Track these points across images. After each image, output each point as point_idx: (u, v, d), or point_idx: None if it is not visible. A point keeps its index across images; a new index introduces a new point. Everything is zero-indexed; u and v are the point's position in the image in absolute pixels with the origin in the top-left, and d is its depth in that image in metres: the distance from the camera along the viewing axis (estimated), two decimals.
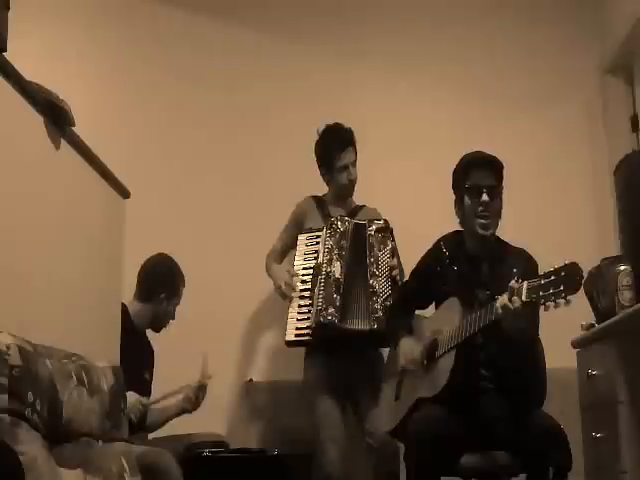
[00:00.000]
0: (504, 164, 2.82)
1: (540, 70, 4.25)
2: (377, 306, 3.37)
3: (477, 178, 2.75)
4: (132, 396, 2.96)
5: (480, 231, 2.75)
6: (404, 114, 4.28)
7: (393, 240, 3.51)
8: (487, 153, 2.81)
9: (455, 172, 2.84)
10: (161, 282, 3.41)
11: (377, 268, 3.43)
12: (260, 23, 4.40)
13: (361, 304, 3.40)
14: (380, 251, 3.45)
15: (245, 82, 4.35)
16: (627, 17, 3.75)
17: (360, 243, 3.48)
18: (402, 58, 4.34)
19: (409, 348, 2.87)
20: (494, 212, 2.76)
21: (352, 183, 3.64)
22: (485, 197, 2.72)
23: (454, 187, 2.85)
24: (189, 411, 3.33)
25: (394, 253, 3.49)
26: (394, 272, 3.43)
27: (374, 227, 3.48)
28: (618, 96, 4.14)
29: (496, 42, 4.31)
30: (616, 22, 3.94)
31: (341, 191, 3.68)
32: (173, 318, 3.46)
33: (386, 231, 3.49)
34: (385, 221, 3.52)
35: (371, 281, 3.41)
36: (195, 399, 3.31)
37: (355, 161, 3.62)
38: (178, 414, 3.34)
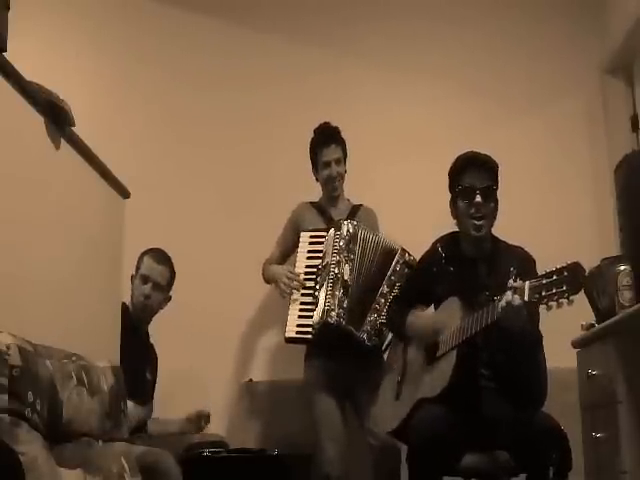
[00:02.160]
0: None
1: (540, 70, 4.25)
2: (372, 319, 3.38)
3: (470, 179, 2.75)
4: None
5: (473, 233, 2.75)
6: (403, 114, 4.28)
7: None
8: (481, 153, 2.80)
9: (449, 173, 2.84)
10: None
11: (388, 292, 3.43)
12: (260, 23, 4.40)
13: (364, 313, 3.40)
14: (398, 282, 3.44)
15: (244, 82, 4.35)
16: (627, 17, 3.75)
17: (385, 264, 3.46)
18: (401, 58, 4.34)
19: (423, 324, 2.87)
20: (487, 213, 2.75)
21: (333, 179, 3.65)
22: (478, 198, 2.72)
23: (449, 188, 2.85)
24: (190, 432, 3.33)
25: None
26: None
27: (406, 259, 3.46)
28: (618, 96, 4.14)
29: (496, 42, 4.31)
30: (616, 22, 3.94)
31: (326, 188, 3.70)
32: (146, 294, 3.33)
33: (412, 270, 3.44)
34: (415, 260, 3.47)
35: (380, 299, 3.41)
36: (197, 419, 3.34)
37: (339, 158, 3.64)
38: (179, 433, 3.34)
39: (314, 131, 3.67)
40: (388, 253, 3.49)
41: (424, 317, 2.89)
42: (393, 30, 4.34)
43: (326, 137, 3.64)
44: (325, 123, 3.68)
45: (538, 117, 4.22)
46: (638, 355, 2.62)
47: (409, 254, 3.48)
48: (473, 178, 2.75)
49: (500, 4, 4.34)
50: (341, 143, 3.65)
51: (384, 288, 3.43)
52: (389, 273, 3.45)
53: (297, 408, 3.66)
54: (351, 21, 4.37)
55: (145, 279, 3.35)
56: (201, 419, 3.36)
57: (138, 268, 3.39)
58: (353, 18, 4.37)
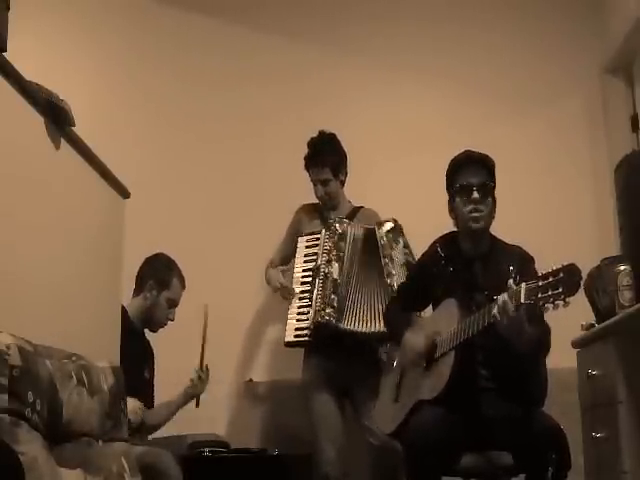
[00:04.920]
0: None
1: (540, 70, 4.26)
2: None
3: (466, 177, 2.76)
4: (131, 402, 2.99)
5: (471, 224, 2.75)
6: (403, 113, 4.28)
7: (403, 235, 3.54)
8: (476, 152, 2.81)
9: (446, 174, 2.85)
10: (151, 272, 3.42)
11: (394, 267, 3.43)
12: (262, 23, 4.41)
13: (364, 307, 3.40)
14: (393, 249, 3.46)
15: (246, 81, 4.35)
16: (627, 17, 3.75)
17: (372, 247, 3.48)
18: (401, 57, 4.34)
19: (412, 345, 2.86)
20: (485, 209, 2.76)
21: (322, 199, 3.67)
22: (475, 195, 2.73)
23: (447, 188, 2.86)
24: (196, 395, 3.37)
25: (407, 246, 3.52)
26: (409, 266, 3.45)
27: (384, 229, 3.49)
28: (618, 96, 4.14)
29: (496, 41, 4.32)
30: (616, 22, 3.94)
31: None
32: (171, 319, 3.43)
33: (395, 230, 3.51)
34: (394, 220, 3.54)
35: (388, 280, 3.41)
36: (199, 379, 3.36)
37: (326, 179, 3.62)
38: (185, 402, 3.38)
39: (307, 144, 3.66)
40: (370, 237, 3.50)
41: (416, 342, 2.86)
42: (393, 29, 4.34)
43: (311, 158, 3.64)
44: (312, 139, 3.65)
45: (538, 116, 4.23)
46: (638, 355, 2.62)
47: (386, 221, 3.51)
48: (469, 175, 2.76)
49: (501, 4, 4.35)
50: (330, 160, 3.61)
51: (387, 268, 3.42)
52: (381, 253, 3.45)
53: (297, 408, 3.66)
54: (351, 20, 4.37)
55: (173, 303, 3.42)
56: (201, 375, 3.39)
57: (164, 284, 3.38)
58: (353, 18, 4.38)
